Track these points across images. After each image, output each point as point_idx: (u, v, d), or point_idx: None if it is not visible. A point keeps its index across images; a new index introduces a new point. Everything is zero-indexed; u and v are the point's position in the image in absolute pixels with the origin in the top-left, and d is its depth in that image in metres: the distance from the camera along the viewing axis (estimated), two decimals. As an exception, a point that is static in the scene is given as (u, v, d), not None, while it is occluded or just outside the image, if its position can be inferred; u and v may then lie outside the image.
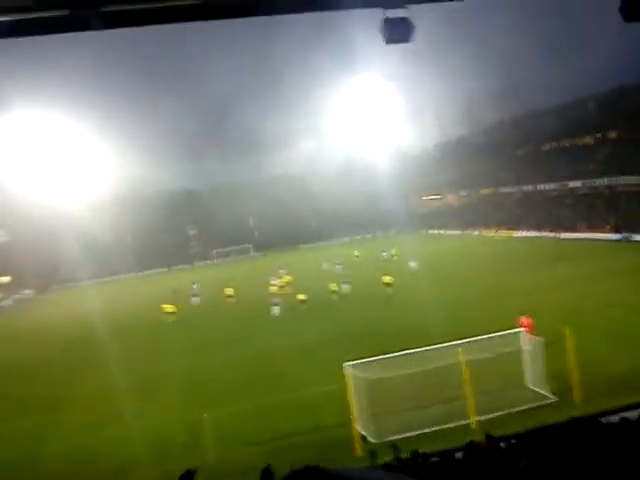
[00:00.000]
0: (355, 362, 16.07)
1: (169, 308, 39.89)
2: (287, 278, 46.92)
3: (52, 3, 9.87)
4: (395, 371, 15.46)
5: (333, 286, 39.82)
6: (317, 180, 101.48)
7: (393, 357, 15.95)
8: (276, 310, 36.19)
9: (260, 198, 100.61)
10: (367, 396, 15.46)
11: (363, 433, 15.23)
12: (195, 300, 45.96)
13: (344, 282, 41.15)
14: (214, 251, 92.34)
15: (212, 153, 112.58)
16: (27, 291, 75.04)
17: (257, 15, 11.93)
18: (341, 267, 50.78)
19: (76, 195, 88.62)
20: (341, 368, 16.08)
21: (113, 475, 15.74)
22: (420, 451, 9.81)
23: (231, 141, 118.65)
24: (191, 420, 17.69)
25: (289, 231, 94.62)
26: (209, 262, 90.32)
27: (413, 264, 46.74)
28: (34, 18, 10.16)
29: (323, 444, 15.43)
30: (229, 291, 44.85)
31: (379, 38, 13.04)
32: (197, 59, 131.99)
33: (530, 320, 19.79)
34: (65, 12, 10.14)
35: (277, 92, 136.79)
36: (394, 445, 10.49)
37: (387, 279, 38.70)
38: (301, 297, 37.82)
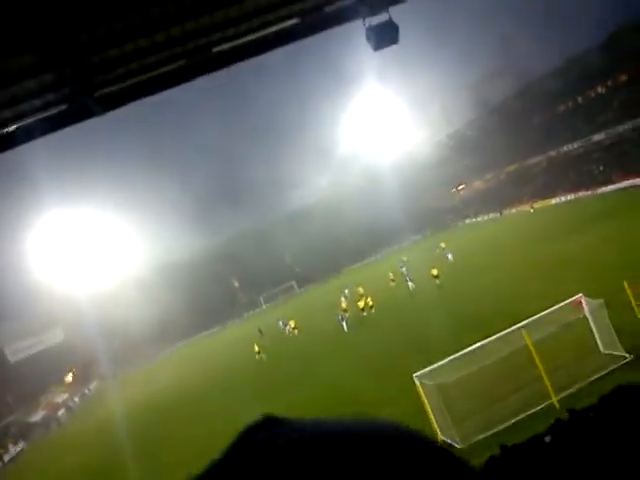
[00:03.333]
0: (423, 371, 15.84)
1: (256, 347, 41.80)
2: (360, 290, 47.54)
3: (51, 102, 10.38)
4: (464, 370, 15.16)
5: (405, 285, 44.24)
6: (341, 201, 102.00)
7: (459, 356, 15.68)
8: (344, 325, 38.62)
9: (290, 234, 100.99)
10: (442, 402, 15.17)
11: (448, 441, 14.94)
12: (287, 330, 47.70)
13: (409, 279, 44.35)
14: (260, 297, 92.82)
15: (230, 204, 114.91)
16: (93, 384, 76.01)
17: (244, 60, 12.34)
18: (404, 268, 50.94)
19: (115, 277, 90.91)
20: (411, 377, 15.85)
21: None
22: (508, 444, 9.61)
23: (245, 189, 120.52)
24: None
25: (328, 258, 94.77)
26: (258, 310, 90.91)
27: (450, 255, 49.76)
28: (38, 120, 10.68)
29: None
30: (292, 324, 46.68)
31: (365, 47, 13.29)
32: (193, 117, 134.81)
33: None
34: (64, 107, 10.66)
35: (278, 129, 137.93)
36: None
37: (434, 271, 41.32)
38: (369, 302, 41.13)
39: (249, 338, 50.07)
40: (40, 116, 10.33)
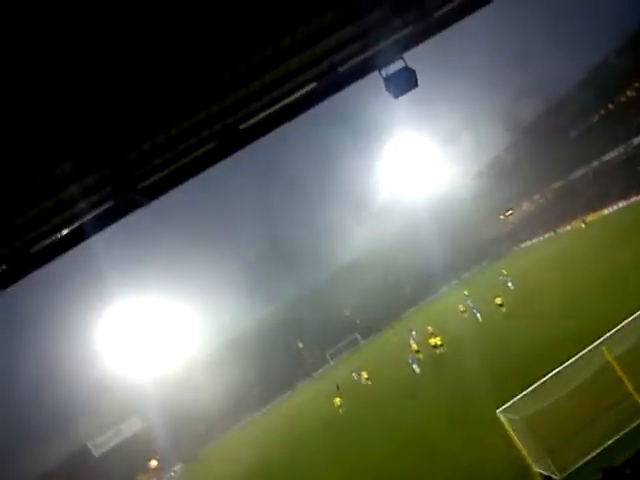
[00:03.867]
0: (506, 405, 15.25)
1: (338, 401, 42.33)
2: (429, 328, 46.28)
3: (96, 202, 10.91)
4: (549, 398, 14.57)
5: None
6: (390, 249, 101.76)
7: (540, 384, 15.05)
8: (415, 367, 38.82)
9: (345, 288, 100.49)
10: (532, 434, 14.55)
11: (545, 473, 14.22)
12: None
13: (476, 310, 44.28)
14: (327, 354, 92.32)
15: (280, 269, 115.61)
16: (177, 467, 76.14)
17: (271, 131, 12.75)
18: (469, 300, 50.47)
19: (182, 360, 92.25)
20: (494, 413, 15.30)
21: None
22: (609, 466, 9.11)
23: (292, 251, 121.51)
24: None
25: (387, 306, 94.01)
26: (326, 366, 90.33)
27: (510, 283, 48.56)
28: (88, 220, 11.21)
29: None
30: (364, 374, 47.17)
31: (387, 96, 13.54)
32: (228, 190, 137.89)
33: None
34: (110, 204, 11.18)
35: (315, 189, 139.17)
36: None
37: (498, 300, 41.56)
38: (438, 342, 40.29)
39: (324, 395, 50.67)
40: (89, 216, 10.84)
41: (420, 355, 41.43)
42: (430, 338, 41.65)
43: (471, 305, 46.99)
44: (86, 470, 76.35)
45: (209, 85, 9.56)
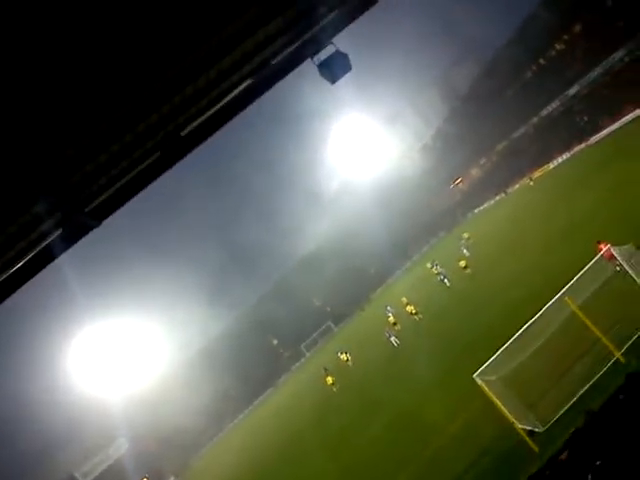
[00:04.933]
0: (481, 369, 15.52)
1: (330, 380, 43.49)
2: (403, 299, 48.65)
3: (46, 231, 10.64)
4: (522, 355, 14.93)
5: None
6: (347, 234, 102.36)
7: (511, 343, 15.37)
8: (394, 340, 39.95)
9: (310, 279, 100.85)
10: (511, 393, 14.92)
11: (528, 428, 14.62)
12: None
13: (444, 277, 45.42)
14: (301, 345, 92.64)
15: (243, 271, 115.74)
16: (170, 481, 75.43)
17: (214, 132, 12.63)
18: (439, 267, 51.67)
19: (159, 374, 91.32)
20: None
21: None
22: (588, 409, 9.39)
23: (252, 251, 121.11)
24: None
25: (354, 290, 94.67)
26: (303, 359, 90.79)
27: (465, 250, 50.58)
28: (41, 250, 10.93)
29: (500, 462, 14.89)
30: (343, 357, 48.57)
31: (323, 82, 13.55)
32: (178, 198, 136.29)
33: (607, 244, 17.77)
34: (59, 231, 10.91)
35: (266, 185, 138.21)
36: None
37: (462, 263, 43.57)
38: (413, 309, 42.49)
39: (312, 381, 51.92)
40: (41, 246, 10.57)
41: (398, 327, 42.80)
42: (406, 306, 44.00)
43: (437, 272, 48.61)
44: (77, 501, 74.87)
45: (143, 96, 9.40)
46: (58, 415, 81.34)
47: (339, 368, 47.70)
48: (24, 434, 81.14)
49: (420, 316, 41.30)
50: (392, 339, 40.15)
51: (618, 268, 16.51)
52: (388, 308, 51.65)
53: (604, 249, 16.81)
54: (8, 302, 11.14)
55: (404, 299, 48.12)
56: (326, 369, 48.56)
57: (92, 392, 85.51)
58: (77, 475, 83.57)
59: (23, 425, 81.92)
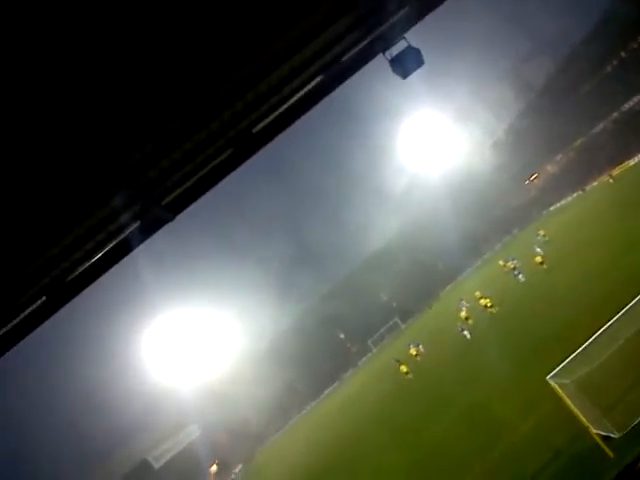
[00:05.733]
0: (556, 370, 15.04)
1: (404, 368, 44.35)
2: (477, 294, 48.05)
3: (124, 223, 11.14)
4: (597, 358, 14.41)
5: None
6: (419, 230, 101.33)
7: (587, 346, 14.79)
8: (466, 333, 40.16)
9: (379, 275, 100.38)
10: (585, 396, 14.41)
11: (603, 433, 14.09)
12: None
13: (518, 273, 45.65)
14: (369, 341, 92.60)
15: (313, 266, 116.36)
16: (238, 468, 77.08)
17: (284, 129, 12.84)
18: (515, 261, 51.18)
19: (229, 365, 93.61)
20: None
21: None
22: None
23: (322, 246, 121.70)
24: None
25: (423, 286, 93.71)
26: (370, 354, 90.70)
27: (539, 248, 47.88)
28: (120, 241, 11.45)
29: (574, 465, 14.44)
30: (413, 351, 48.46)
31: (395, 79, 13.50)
32: (249, 195, 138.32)
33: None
34: (137, 224, 11.40)
35: (335, 183, 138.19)
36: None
37: (538, 259, 43.21)
38: (488, 302, 42.29)
39: (378, 377, 52.64)
40: (119, 238, 11.07)
41: (470, 321, 42.57)
42: (479, 300, 44.05)
43: (512, 266, 48.51)
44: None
45: (217, 94, 9.66)
46: (134, 401, 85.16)
47: (408, 362, 47.29)
48: (101, 421, 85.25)
49: (494, 309, 40.92)
50: (464, 332, 40.24)
51: None
52: (462, 302, 50.79)
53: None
54: (88, 291, 11.69)
55: (477, 293, 47.67)
56: (398, 360, 48.64)
57: (165, 381, 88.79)
58: (150, 459, 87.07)
59: (100, 413, 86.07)
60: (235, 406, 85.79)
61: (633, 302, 14.69)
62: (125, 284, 75.99)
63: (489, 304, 41.71)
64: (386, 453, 28.60)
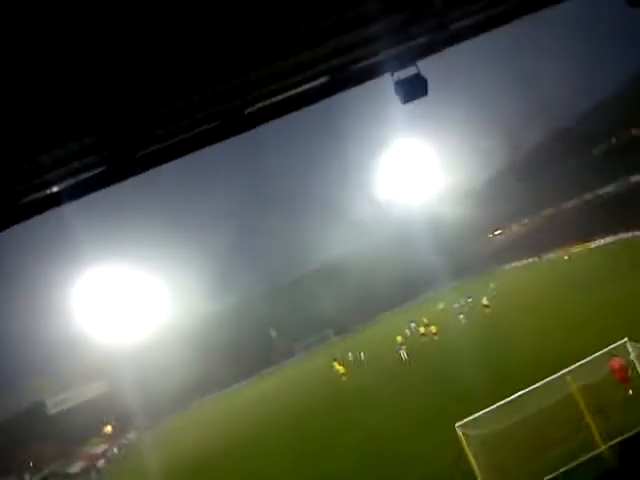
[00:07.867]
0: (466, 420, 15.32)
1: (340, 369, 46.31)
2: (424, 320, 51.45)
3: (91, 164, 10.86)
4: (508, 419, 14.71)
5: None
6: (375, 252, 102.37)
7: (503, 405, 15.12)
8: (403, 353, 42.10)
9: (325, 286, 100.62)
10: (486, 453, 14.72)
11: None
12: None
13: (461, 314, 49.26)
14: (296, 345, 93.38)
15: (266, 258, 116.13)
16: (131, 435, 75.66)
17: (274, 119, 12.76)
18: (470, 299, 55.83)
19: (151, 331, 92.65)
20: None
21: None
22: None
23: (273, 247, 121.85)
24: None
25: (363, 307, 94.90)
26: (293, 359, 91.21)
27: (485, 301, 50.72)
28: (80, 181, 11.15)
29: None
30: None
31: (394, 100, 13.59)
32: (217, 182, 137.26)
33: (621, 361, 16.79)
34: (104, 167, 11.12)
35: (309, 189, 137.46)
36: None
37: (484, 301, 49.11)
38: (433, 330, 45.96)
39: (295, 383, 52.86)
40: (81, 177, 10.77)
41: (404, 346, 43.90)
42: (427, 327, 47.71)
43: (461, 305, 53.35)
44: (38, 426, 75.32)
45: (220, 64, 9.54)
46: (49, 340, 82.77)
47: (331, 376, 47.71)
48: (14, 347, 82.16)
49: (437, 337, 44.49)
50: (401, 352, 42.16)
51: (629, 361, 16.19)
52: (411, 325, 53.73)
53: (621, 341, 16.27)
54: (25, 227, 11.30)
55: (425, 319, 51.11)
56: (336, 359, 49.99)
57: (87, 328, 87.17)
58: (48, 404, 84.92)
59: (13, 340, 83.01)
60: (147, 374, 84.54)
61: (556, 375, 15.13)
62: (71, 232, 73.63)
63: (434, 331, 45.21)
64: (276, 461, 28.53)
